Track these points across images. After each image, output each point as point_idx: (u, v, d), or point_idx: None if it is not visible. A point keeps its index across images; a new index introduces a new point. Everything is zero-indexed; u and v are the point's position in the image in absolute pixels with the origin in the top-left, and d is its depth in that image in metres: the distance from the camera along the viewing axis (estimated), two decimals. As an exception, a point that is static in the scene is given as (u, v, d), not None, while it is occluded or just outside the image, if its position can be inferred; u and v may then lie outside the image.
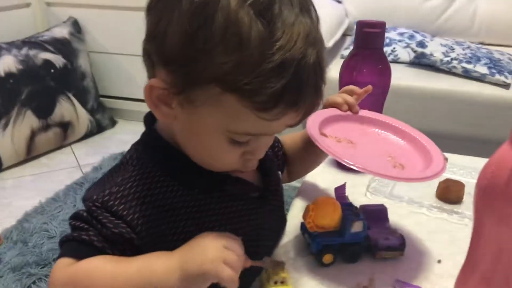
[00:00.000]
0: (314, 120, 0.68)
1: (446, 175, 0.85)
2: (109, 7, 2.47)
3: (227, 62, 0.47)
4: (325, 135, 0.67)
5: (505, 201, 0.46)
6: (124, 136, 2.47)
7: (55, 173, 2.13)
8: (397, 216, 0.74)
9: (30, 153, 2.19)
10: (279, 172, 0.73)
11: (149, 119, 0.61)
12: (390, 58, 2.01)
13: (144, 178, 0.57)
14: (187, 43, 0.48)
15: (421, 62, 1.93)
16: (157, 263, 0.52)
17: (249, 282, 0.60)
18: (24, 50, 2.20)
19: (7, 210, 1.83)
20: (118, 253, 0.54)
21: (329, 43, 1.91)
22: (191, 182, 0.59)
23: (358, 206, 0.71)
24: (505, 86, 1.75)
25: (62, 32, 2.42)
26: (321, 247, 0.63)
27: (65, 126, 2.31)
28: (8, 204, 1.87)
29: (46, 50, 2.29)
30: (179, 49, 0.49)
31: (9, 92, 2.09)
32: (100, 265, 0.52)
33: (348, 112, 0.74)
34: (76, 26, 2.49)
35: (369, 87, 0.74)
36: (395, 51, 2.02)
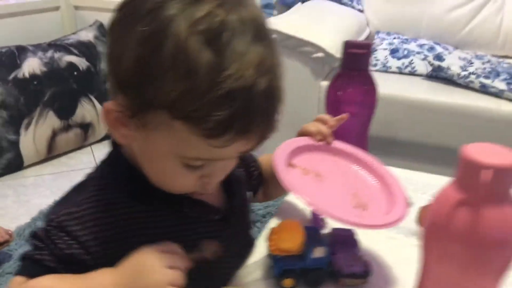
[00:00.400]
0: (283, 149, 0.68)
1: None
2: (134, 12, 2.52)
3: (175, 90, 0.48)
4: (293, 165, 0.67)
5: (447, 240, 0.45)
6: (143, 138, 2.52)
7: (75, 173, 2.19)
8: (373, 241, 0.73)
9: (51, 153, 2.26)
10: (250, 193, 0.73)
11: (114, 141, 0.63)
12: (407, 71, 1.99)
13: (104, 199, 0.58)
14: (138, 68, 0.49)
15: (438, 75, 1.89)
16: (106, 283, 0.53)
17: None
18: (49, 53, 2.28)
19: (25, 207, 1.90)
20: (72, 273, 0.55)
21: (343, 54, 1.89)
22: (150, 204, 0.59)
23: (331, 229, 0.71)
24: (524, 103, 1.70)
25: (87, 35, 2.49)
26: (282, 270, 0.63)
27: (85, 127, 2.38)
28: (27, 202, 1.94)
29: (71, 53, 2.36)
30: (132, 73, 0.50)
31: (32, 93, 2.17)
32: (49, 285, 0.54)
33: (322, 142, 0.73)
34: (101, 30, 2.56)
35: (344, 116, 0.74)
36: (412, 63, 1.99)
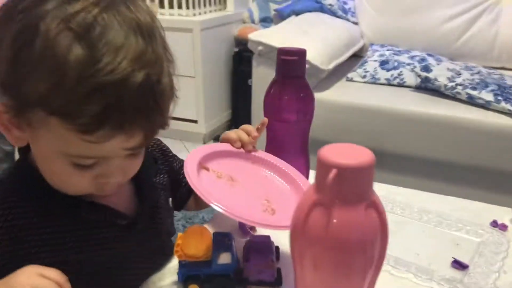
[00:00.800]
0: (199, 151, 0.68)
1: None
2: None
3: (45, 86, 0.48)
4: (206, 168, 0.66)
5: (304, 245, 0.44)
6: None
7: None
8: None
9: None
10: (169, 199, 0.73)
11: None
12: (395, 82, 1.96)
13: (3, 203, 0.58)
14: (11, 67, 0.50)
15: (427, 86, 1.86)
16: None
17: None
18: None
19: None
20: None
21: (329, 65, 1.88)
22: (47, 208, 0.59)
23: (250, 236, 0.70)
24: (511, 114, 1.65)
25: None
26: (186, 276, 0.62)
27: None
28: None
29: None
30: (6, 73, 0.50)
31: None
32: None
33: (241, 150, 0.73)
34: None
35: (264, 120, 0.74)
36: (401, 74, 1.96)
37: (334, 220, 0.41)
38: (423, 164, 1.77)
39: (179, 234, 0.63)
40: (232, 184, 0.66)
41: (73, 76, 0.47)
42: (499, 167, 1.64)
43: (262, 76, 1.97)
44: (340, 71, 2.06)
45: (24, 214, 0.58)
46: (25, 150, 0.63)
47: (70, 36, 0.47)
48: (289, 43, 1.88)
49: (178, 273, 0.63)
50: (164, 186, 0.74)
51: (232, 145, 0.72)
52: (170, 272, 0.67)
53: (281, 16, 2.53)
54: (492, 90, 1.70)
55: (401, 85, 1.94)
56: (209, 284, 0.63)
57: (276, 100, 0.85)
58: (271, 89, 0.85)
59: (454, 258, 0.70)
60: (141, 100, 0.50)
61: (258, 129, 0.74)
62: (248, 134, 0.73)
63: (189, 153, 0.66)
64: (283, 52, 0.83)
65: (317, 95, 1.93)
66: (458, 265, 0.69)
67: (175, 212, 0.81)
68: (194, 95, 2.56)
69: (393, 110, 1.79)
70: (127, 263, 0.65)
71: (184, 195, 0.78)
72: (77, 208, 0.60)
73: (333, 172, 0.40)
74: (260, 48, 1.91)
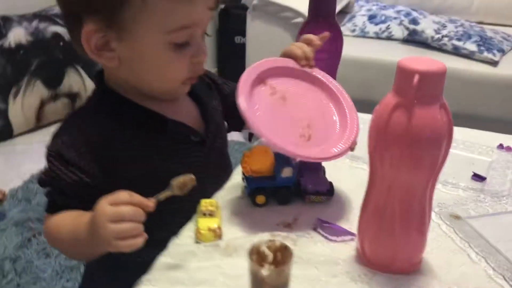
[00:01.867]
0: (260, 64, 0.70)
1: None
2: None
3: None
4: (264, 83, 0.71)
5: (386, 142, 0.53)
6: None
7: (63, 141, 2.24)
8: (336, 169, 0.81)
9: (40, 122, 2.31)
10: (224, 122, 0.80)
11: (99, 75, 0.70)
12: (384, 35, 2.06)
13: (92, 125, 0.65)
14: None
15: (414, 39, 1.97)
16: (81, 233, 0.59)
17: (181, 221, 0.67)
18: (34, 23, 2.31)
19: (16, 171, 1.95)
20: (80, 202, 0.63)
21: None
22: (133, 123, 0.67)
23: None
24: (493, 63, 1.78)
25: (72, 6, 2.52)
26: (254, 189, 0.71)
27: (73, 97, 2.42)
28: (17, 167, 2.00)
29: (56, 23, 2.39)
30: None
31: (19, 63, 2.21)
32: (56, 221, 0.64)
33: (305, 69, 0.73)
34: (86, 1, 2.59)
35: (326, 33, 0.75)
36: (389, 28, 2.06)
37: (414, 119, 0.50)
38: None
39: (245, 152, 0.72)
40: (282, 103, 0.70)
41: None
42: (483, 113, 1.77)
43: (257, 31, 2.02)
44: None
45: (114, 132, 0.66)
46: (98, 82, 0.70)
47: None
48: (284, -3, 1.94)
49: (245, 187, 0.72)
50: (219, 111, 0.81)
51: (297, 62, 0.74)
52: (233, 187, 0.76)
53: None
54: (475, 41, 1.83)
55: (389, 38, 2.04)
56: (274, 195, 0.72)
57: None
58: (303, 29, 0.93)
59: (473, 172, 0.82)
60: None
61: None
62: (310, 42, 0.74)
63: (253, 64, 0.70)
64: (316, -7, 0.90)
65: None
66: (477, 177, 0.81)
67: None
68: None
69: (383, 61, 1.89)
70: (199, 179, 0.72)
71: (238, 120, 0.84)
72: (163, 122, 0.68)
73: (416, 77, 0.49)
74: (255, 2, 1.96)
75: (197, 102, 0.75)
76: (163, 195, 0.58)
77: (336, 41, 0.92)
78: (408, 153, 0.52)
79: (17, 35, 2.21)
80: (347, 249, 0.64)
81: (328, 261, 0.61)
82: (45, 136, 2.36)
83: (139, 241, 0.54)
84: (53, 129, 2.23)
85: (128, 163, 0.66)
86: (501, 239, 0.65)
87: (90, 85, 2.50)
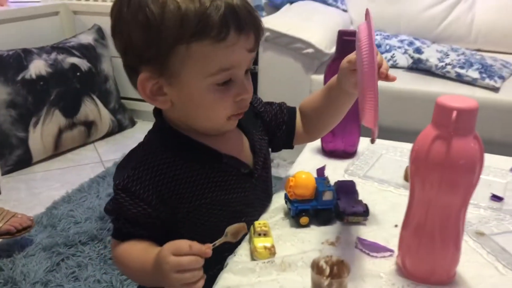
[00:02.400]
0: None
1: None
2: (130, 15, 2.66)
3: (176, 24, 0.63)
4: None
5: (427, 168, 0.61)
6: (143, 135, 2.60)
7: (80, 168, 2.32)
8: (367, 192, 0.89)
9: (58, 149, 2.39)
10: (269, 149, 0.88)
11: (157, 111, 0.77)
12: (389, 64, 2.16)
13: (154, 160, 0.72)
14: (145, 37, 0.65)
15: (418, 67, 2.07)
16: (148, 269, 0.67)
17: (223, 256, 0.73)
18: (53, 55, 2.41)
19: (37, 199, 2.02)
20: (142, 230, 0.72)
21: (332, 49, 2.06)
22: (192, 158, 0.73)
23: (336, 181, 0.86)
24: (495, 89, 1.88)
25: (87, 38, 2.63)
26: (298, 211, 0.79)
27: (89, 125, 2.51)
28: (38, 194, 2.07)
29: (73, 55, 2.49)
30: (145, 45, 0.65)
31: (39, 93, 2.29)
32: (123, 250, 0.72)
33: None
34: (100, 33, 2.70)
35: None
36: (394, 57, 2.16)
37: (452, 149, 0.58)
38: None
39: (289, 178, 0.80)
40: None
41: (194, 10, 0.63)
42: (487, 136, 1.86)
43: (269, 61, 2.12)
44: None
45: (174, 166, 0.72)
46: (158, 120, 0.77)
47: None
48: (295, 29, 2.05)
49: (290, 209, 0.80)
50: (265, 140, 0.87)
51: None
52: (277, 210, 0.84)
53: (274, 5, 2.68)
54: (477, 69, 1.93)
55: (394, 66, 2.15)
56: (316, 216, 0.80)
57: (335, 74, 1.01)
58: (332, 65, 1.02)
59: (491, 193, 0.90)
60: (245, 7, 0.67)
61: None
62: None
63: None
64: (343, 33, 1.00)
65: (319, 77, 2.11)
66: (496, 198, 0.89)
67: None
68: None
69: (390, 89, 1.99)
70: (245, 208, 0.79)
71: (289, 128, 0.89)
72: (218, 157, 0.75)
73: (454, 113, 0.57)
74: (267, 34, 2.06)
75: (245, 133, 0.82)
76: (219, 242, 0.65)
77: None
78: (447, 178, 0.60)
79: (37, 66, 2.30)
80: (387, 264, 0.71)
81: (372, 274, 0.68)
82: (63, 163, 2.48)
83: (200, 284, 0.62)
84: (70, 155, 2.33)
85: (188, 196, 0.73)
86: (523, 253, 0.73)
87: (105, 113, 2.59)
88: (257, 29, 0.70)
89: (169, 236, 0.72)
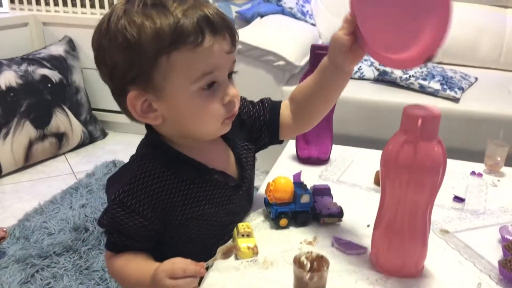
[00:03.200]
0: None
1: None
2: (102, 27, 2.67)
3: (154, 39, 0.67)
4: None
5: (396, 170, 0.67)
6: (114, 146, 2.66)
7: (51, 179, 2.30)
8: (340, 196, 0.95)
9: (28, 161, 2.36)
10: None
11: (149, 125, 0.79)
12: (356, 76, 2.26)
13: (148, 173, 0.74)
14: (127, 57, 0.68)
15: (383, 79, 2.17)
16: (150, 272, 0.70)
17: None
18: (23, 66, 2.39)
19: (8, 211, 1.99)
20: (137, 243, 0.75)
21: (302, 62, 2.14)
22: (184, 173, 0.76)
23: (312, 185, 0.92)
24: (455, 100, 2.00)
25: (58, 49, 2.62)
26: (278, 213, 0.84)
27: (60, 137, 2.49)
28: (9, 206, 2.04)
29: (44, 66, 2.48)
30: (127, 65, 0.69)
31: (9, 105, 2.27)
32: (121, 264, 0.76)
33: None
34: (71, 44, 2.69)
35: None
36: (361, 69, 2.26)
37: (418, 152, 0.65)
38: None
39: (269, 182, 0.85)
40: None
41: (168, 24, 0.67)
42: (448, 144, 1.97)
43: (241, 73, 2.14)
44: (304, 68, 2.33)
45: (166, 179, 0.75)
46: (150, 134, 0.80)
47: (138, 11, 0.68)
48: (266, 42, 2.12)
49: (271, 212, 0.85)
50: (251, 148, 0.89)
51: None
52: (257, 214, 0.88)
53: (244, 18, 2.74)
54: (439, 81, 2.04)
55: (361, 78, 2.24)
56: (294, 218, 0.85)
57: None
58: (304, 77, 1.08)
59: (454, 194, 0.98)
60: (216, 13, 0.70)
61: None
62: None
63: None
64: (316, 47, 1.06)
65: (290, 88, 2.18)
66: (458, 199, 0.97)
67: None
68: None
69: (356, 99, 2.08)
70: (234, 217, 0.83)
71: (271, 124, 0.90)
72: (208, 172, 0.78)
73: (420, 120, 0.64)
74: (239, 47, 2.12)
75: (230, 147, 0.85)
76: (211, 260, 0.69)
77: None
78: (414, 178, 0.67)
79: (7, 78, 2.29)
80: (361, 260, 0.77)
81: (348, 270, 0.74)
82: (33, 175, 2.46)
83: None
84: (40, 167, 2.31)
85: (180, 209, 0.76)
86: (482, 248, 0.80)
87: (76, 125, 2.58)
88: (231, 30, 0.73)
89: (161, 245, 0.76)
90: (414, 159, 0.66)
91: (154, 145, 0.79)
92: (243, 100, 0.91)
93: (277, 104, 0.91)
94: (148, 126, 0.80)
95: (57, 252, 1.68)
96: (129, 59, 0.68)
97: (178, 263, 0.67)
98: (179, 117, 0.74)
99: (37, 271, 1.59)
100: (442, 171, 0.67)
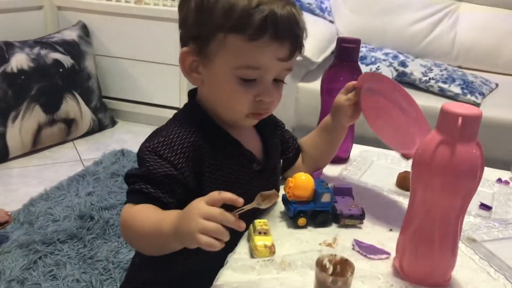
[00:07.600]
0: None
1: (405, 168, 1.03)
2: (116, 14, 2.63)
3: (223, 14, 0.69)
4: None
5: (430, 173, 0.63)
6: (123, 135, 2.62)
7: (58, 165, 2.27)
8: (361, 197, 0.90)
9: (36, 145, 2.33)
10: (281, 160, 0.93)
11: (191, 93, 0.82)
12: (374, 75, 2.20)
13: (183, 133, 0.75)
14: (198, 17, 0.72)
15: (402, 80, 2.12)
16: (166, 221, 0.65)
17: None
18: (36, 49, 2.36)
19: (13, 195, 1.96)
20: (162, 193, 0.71)
21: (319, 58, 2.09)
22: (215, 143, 0.77)
23: (333, 185, 0.87)
24: (476, 105, 1.94)
25: (71, 34, 2.59)
26: (296, 212, 0.79)
27: (69, 123, 2.46)
28: (15, 190, 2.01)
29: (56, 50, 2.45)
30: (194, 23, 0.73)
31: (20, 87, 2.24)
32: (141, 211, 0.70)
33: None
34: (84, 30, 2.66)
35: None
36: (379, 69, 2.20)
37: (456, 154, 0.60)
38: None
39: (289, 179, 0.80)
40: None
41: (241, 4, 0.69)
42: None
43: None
44: (321, 64, 2.27)
45: (199, 140, 0.75)
46: (190, 100, 0.82)
47: None
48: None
49: (289, 209, 0.80)
50: (279, 150, 0.92)
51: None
52: (273, 211, 0.84)
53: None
54: (459, 84, 1.99)
55: (379, 78, 2.19)
56: (313, 218, 0.80)
57: (333, 79, 1.03)
58: (329, 71, 1.04)
59: (480, 202, 0.93)
60: (289, 20, 0.71)
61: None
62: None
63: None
64: (342, 40, 1.01)
65: (306, 85, 2.14)
66: (484, 206, 0.92)
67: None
68: (178, 83, 2.66)
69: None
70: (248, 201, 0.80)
71: (289, 161, 0.97)
72: (237, 147, 0.79)
73: (460, 119, 0.59)
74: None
75: (261, 137, 0.86)
76: (250, 205, 0.63)
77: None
78: (449, 182, 0.62)
79: (19, 60, 2.25)
80: (383, 266, 0.72)
81: (370, 276, 0.69)
82: (40, 160, 2.43)
83: (218, 244, 0.59)
84: (48, 153, 2.29)
85: (210, 171, 0.76)
86: (512, 260, 0.76)
87: (86, 111, 2.55)
88: (295, 40, 0.73)
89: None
90: (451, 162, 0.61)
91: (192, 111, 0.81)
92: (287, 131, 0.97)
93: (300, 149, 0.99)
94: (189, 93, 0.83)
95: (61, 239, 1.64)
96: (198, 19, 0.73)
97: (215, 193, 0.63)
98: (213, 90, 0.78)
99: (40, 258, 1.55)
100: (479, 176, 0.63)
